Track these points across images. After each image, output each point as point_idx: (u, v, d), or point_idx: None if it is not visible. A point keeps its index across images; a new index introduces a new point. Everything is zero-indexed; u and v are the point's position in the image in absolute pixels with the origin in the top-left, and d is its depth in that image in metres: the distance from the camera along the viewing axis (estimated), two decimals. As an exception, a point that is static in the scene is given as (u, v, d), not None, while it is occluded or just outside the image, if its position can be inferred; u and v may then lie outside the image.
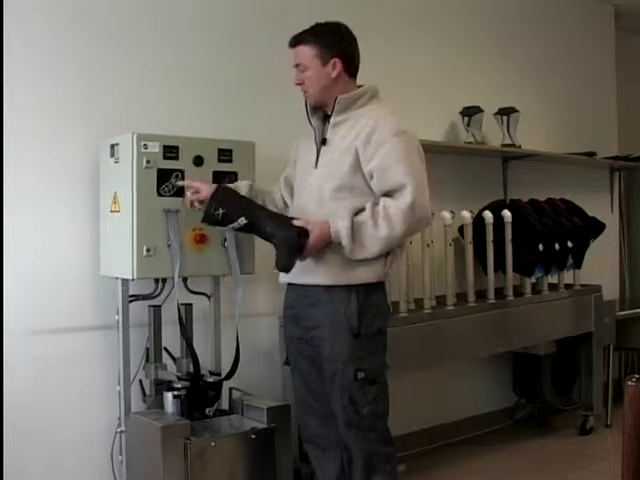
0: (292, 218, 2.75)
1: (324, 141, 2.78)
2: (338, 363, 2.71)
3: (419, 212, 2.65)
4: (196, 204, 2.89)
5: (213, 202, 2.76)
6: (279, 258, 2.65)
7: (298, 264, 2.71)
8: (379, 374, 2.76)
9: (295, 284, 2.84)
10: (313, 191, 2.76)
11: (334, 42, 2.78)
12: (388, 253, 2.75)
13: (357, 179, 2.70)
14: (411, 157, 2.69)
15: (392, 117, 2.74)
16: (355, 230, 2.63)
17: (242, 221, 2.71)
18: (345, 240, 2.63)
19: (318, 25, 2.80)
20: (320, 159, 2.78)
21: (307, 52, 2.76)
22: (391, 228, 2.62)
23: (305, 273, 2.75)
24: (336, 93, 2.76)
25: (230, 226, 2.76)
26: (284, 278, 2.87)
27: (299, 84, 2.79)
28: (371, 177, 2.68)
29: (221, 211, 2.72)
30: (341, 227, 2.63)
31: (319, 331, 2.75)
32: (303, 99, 2.86)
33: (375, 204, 2.67)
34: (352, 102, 2.76)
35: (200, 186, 2.88)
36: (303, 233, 2.63)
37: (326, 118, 2.82)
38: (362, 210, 2.67)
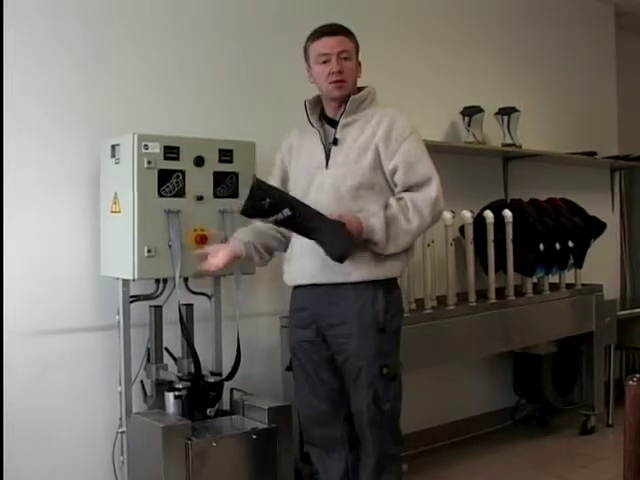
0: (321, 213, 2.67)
1: (335, 141, 2.78)
2: (364, 359, 2.71)
3: (441, 205, 2.72)
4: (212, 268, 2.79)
5: (259, 191, 2.59)
6: (334, 248, 2.56)
7: (313, 264, 2.71)
8: (398, 371, 2.79)
9: (313, 285, 2.78)
10: (327, 191, 2.74)
11: (359, 45, 2.83)
12: (407, 248, 2.79)
13: (377, 177, 2.73)
14: (427, 153, 2.77)
15: (403, 115, 2.80)
16: (388, 225, 2.64)
17: (286, 212, 2.56)
18: (379, 235, 2.63)
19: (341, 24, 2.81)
20: (332, 159, 2.77)
21: (350, 44, 2.77)
22: (422, 219, 2.68)
23: (327, 272, 2.72)
24: (354, 92, 2.79)
25: (273, 218, 2.58)
26: (300, 280, 2.82)
27: (340, 71, 2.72)
28: (394, 173, 2.70)
29: (268, 200, 2.56)
30: (374, 222, 2.63)
31: (345, 327, 2.73)
32: (302, 99, 2.84)
33: (399, 199, 2.70)
34: (361, 101, 2.78)
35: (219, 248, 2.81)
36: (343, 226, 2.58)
37: (324, 118, 2.83)
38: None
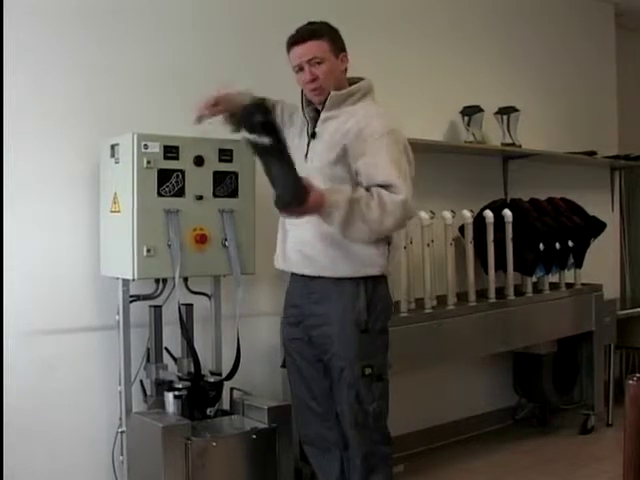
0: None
1: (314, 134, 2.79)
2: (346, 359, 2.71)
3: (408, 211, 2.63)
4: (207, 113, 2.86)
5: (257, 106, 2.55)
6: (284, 195, 2.48)
7: (302, 256, 2.73)
8: (384, 371, 2.78)
9: (299, 275, 2.81)
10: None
11: (339, 37, 2.81)
12: (389, 246, 2.76)
13: (341, 171, 2.69)
14: (398, 157, 2.67)
15: (382, 116, 2.75)
16: (350, 205, 2.54)
17: (266, 141, 2.47)
18: (340, 212, 2.52)
19: (314, 23, 2.79)
20: (309, 152, 2.79)
21: (322, 46, 2.74)
22: (383, 214, 2.56)
23: (310, 265, 2.75)
24: (338, 88, 2.77)
25: (253, 136, 2.48)
26: (284, 266, 2.85)
27: (313, 80, 2.73)
28: (357, 174, 2.66)
29: (260, 118, 2.48)
30: (339, 198, 2.54)
31: (328, 328, 2.74)
32: (300, 92, 2.85)
33: (367, 189, 2.62)
34: (344, 99, 2.77)
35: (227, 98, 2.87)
36: (307, 187, 2.51)
37: (317, 112, 2.83)
38: None
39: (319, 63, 2.73)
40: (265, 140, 2.47)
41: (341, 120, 2.74)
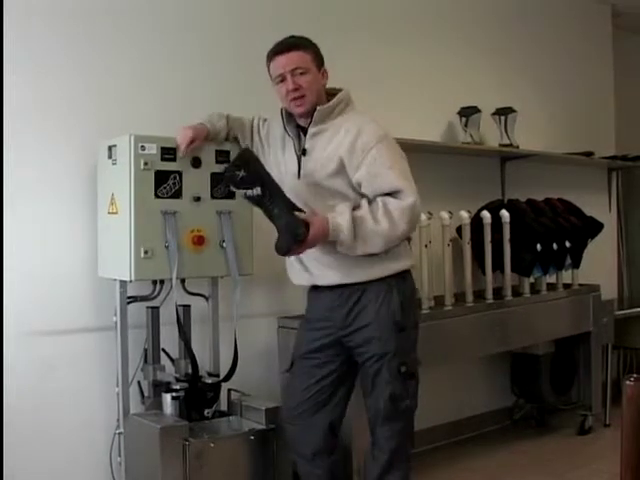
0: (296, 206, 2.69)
1: (304, 152, 2.78)
2: (384, 360, 2.73)
3: (416, 213, 2.68)
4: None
5: (237, 162, 2.69)
6: (282, 242, 2.59)
7: (325, 267, 2.75)
8: (416, 369, 2.82)
9: (325, 286, 2.81)
10: (300, 201, 2.73)
11: (319, 52, 2.81)
12: (409, 241, 2.83)
13: (340, 184, 2.71)
14: (399, 161, 2.72)
15: (372, 124, 2.76)
16: (355, 225, 2.61)
17: (257, 191, 2.61)
18: (345, 235, 2.60)
19: (295, 36, 2.80)
20: (302, 170, 2.78)
21: (305, 57, 2.74)
22: (392, 223, 2.62)
23: (336, 273, 2.75)
24: (320, 102, 2.77)
25: (244, 191, 2.65)
26: (309, 280, 2.86)
27: (296, 89, 2.72)
28: (360, 186, 2.68)
29: (242, 173, 2.63)
30: (341, 221, 2.61)
31: (366, 331, 2.75)
32: (280, 108, 2.85)
33: (371, 201, 2.67)
34: (330, 111, 2.77)
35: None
36: (305, 225, 2.58)
37: (300, 127, 2.82)
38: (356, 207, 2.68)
39: (302, 74, 2.72)
40: (255, 191, 2.61)
41: (330, 133, 2.74)
